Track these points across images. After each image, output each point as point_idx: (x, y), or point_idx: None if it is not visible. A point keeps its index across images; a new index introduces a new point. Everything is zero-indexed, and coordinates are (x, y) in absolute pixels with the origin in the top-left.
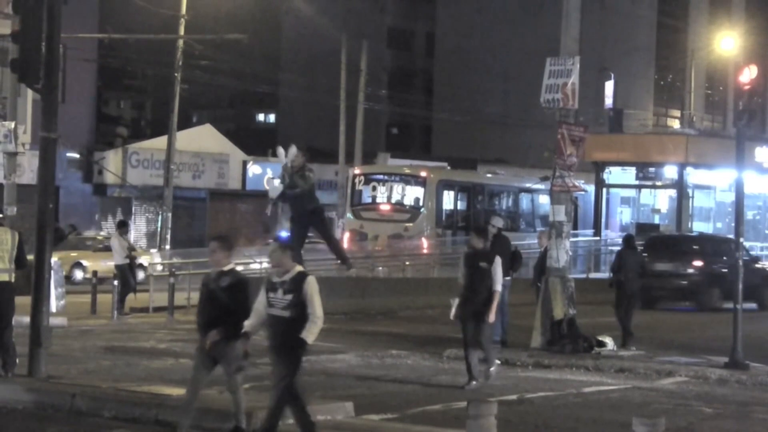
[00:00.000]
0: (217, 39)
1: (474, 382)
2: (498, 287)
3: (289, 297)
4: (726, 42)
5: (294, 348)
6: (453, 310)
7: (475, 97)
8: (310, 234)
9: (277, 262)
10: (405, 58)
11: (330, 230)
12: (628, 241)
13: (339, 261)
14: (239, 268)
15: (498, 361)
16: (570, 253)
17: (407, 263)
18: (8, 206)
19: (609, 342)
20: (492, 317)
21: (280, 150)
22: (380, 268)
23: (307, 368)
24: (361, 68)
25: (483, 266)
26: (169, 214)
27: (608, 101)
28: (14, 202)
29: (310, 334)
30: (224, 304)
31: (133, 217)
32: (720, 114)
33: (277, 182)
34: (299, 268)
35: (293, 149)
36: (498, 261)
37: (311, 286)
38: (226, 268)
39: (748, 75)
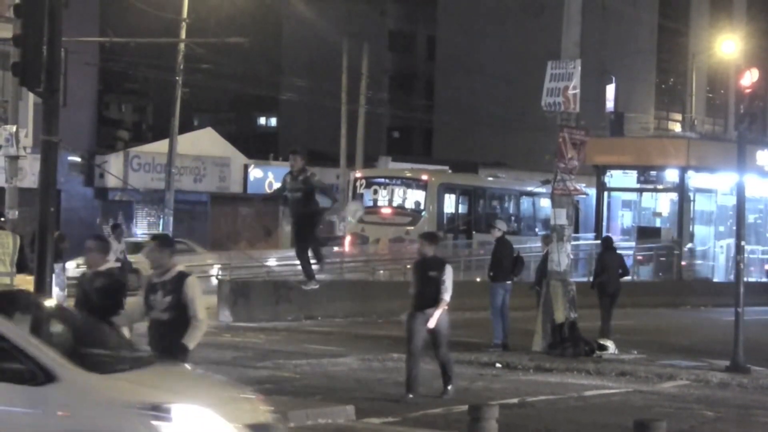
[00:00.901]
0: (219, 42)
1: (410, 395)
2: (446, 296)
3: (169, 299)
4: (727, 45)
5: (175, 354)
6: (405, 322)
7: (477, 101)
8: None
9: (155, 262)
10: (406, 62)
11: (315, 238)
12: (607, 242)
13: (304, 276)
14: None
15: (451, 387)
16: (571, 257)
17: (408, 266)
18: (10, 210)
19: (610, 345)
20: (432, 323)
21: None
22: (381, 271)
23: (309, 372)
24: (362, 72)
25: (432, 275)
26: (171, 218)
27: (609, 105)
28: (16, 205)
29: (192, 339)
30: (98, 306)
31: (134, 220)
32: (721, 117)
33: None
34: (180, 267)
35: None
36: (449, 270)
37: (192, 287)
38: (102, 268)
39: (750, 78)
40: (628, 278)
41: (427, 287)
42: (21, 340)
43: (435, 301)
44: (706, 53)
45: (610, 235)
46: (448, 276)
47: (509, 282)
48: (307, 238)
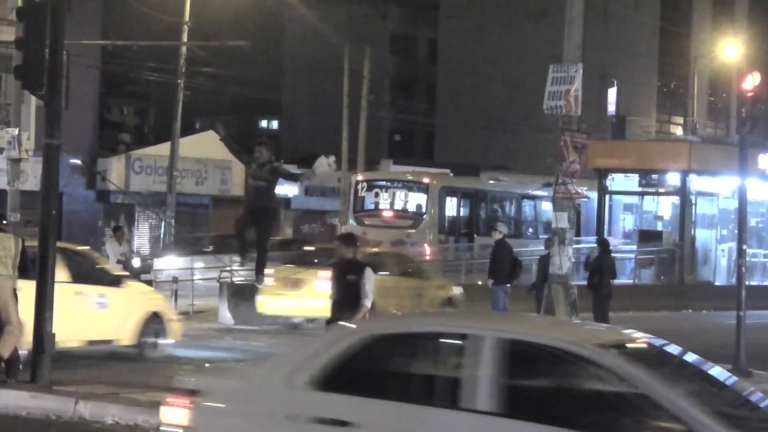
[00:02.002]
0: (220, 45)
1: None
2: (367, 302)
3: None
4: (729, 49)
5: None
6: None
7: (478, 104)
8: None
9: None
10: (408, 65)
11: (268, 238)
12: (604, 245)
13: (256, 273)
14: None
15: None
16: (573, 260)
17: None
18: (12, 213)
19: None
20: None
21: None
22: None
23: None
24: (364, 75)
25: (351, 279)
26: (172, 221)
27: (611, 108)
28: (18, 208)
29: (4, 347)
30: None
31: (136, 223)
32: (723, 121)
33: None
34: None
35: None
36: (369, 274)
37: (3, 290)
38: None
39: (752, 82)
40: (629, 281)
41: (346, 293)
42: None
43: (354, 308)
44: (707, 56)
45: (607, 238)
46: (369, 280)
47: (508, 285)
48: (263, 235)
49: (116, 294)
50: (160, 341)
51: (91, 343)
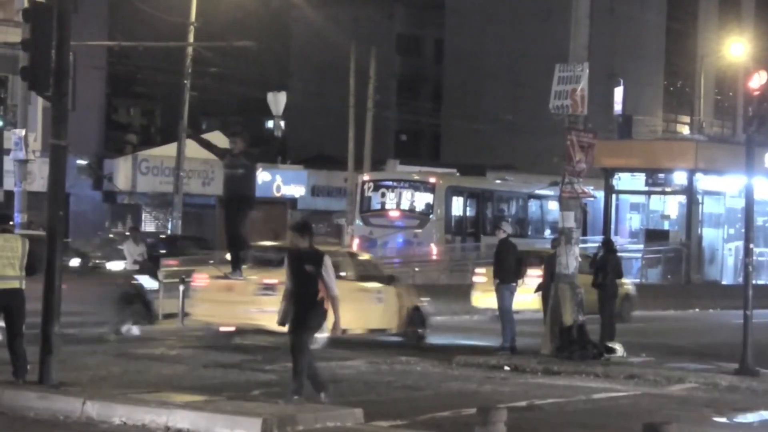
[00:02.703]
0: (226, 46)
1: (323, 394)
2: (335, 292)
3: None
4: (735, 47)
5: None
6: (278, 316)
7: (484, 104)
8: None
9: None
10: (414, 65)
11: (246, 229)
12: (608, 245)
13: (231, 265)
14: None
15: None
16: (579, 260)
17: (416, 269)
18: (19, 213)
19: (618, 348)
20: (339, 330)
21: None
22: None
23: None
24: (370, 75)
25: (309, 269)
26: (179, 221)
27: (617, 107)
28: (25, 209)
29: None
30: None
31: (143, 224)
32: (730, 120)
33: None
34: None
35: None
36: (328, 263)
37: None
38: None
39: (758, 81)
40: (636, 281)
41: (303, 284)
42: None
43: (313, 300)
44: (714, 55)
45: (611, 238)
46: (329, 270)
47: (514, 284)
48: (239, 225)
49: (389, 291)
50: (420, 331)
51: (371, 331)
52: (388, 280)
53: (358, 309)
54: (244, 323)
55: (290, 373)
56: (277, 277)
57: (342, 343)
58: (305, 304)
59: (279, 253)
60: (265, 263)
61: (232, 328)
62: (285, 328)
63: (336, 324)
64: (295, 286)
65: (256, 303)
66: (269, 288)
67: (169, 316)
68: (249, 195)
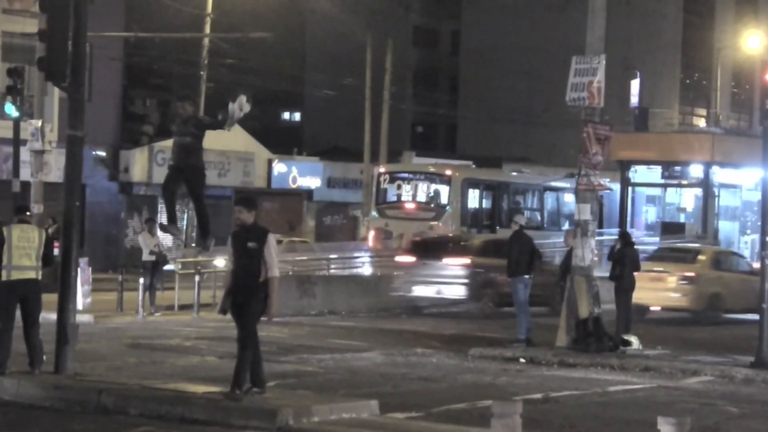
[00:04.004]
0: (243, 37)
1: (255, 389)
2: (275, 272)
3: None
4: (752, 40)
5: None
6: (219, 305)
7: (500, 96)
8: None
9: None
10: (430, 57)
11: (204, 200)
12: (626, 237)
13: (203, 237)
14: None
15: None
16: (595, 252)
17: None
18: (35, 204)
19: (634, 341)
20: (274, 313)
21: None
22: None
23: (332, 366)
24: (387, 67)
25: (252, 246)
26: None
27: (634, 100)
28: (41, 200)
29: None
30: None
31: (158, 215)
32: (746, 112)
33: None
34: None
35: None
36: (271, 240)
37: None
38: None
39: None
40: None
41: (246, 261)
42: None
43: (255, 279)
44: (731, 48)
45: (628, 230)
46: (272, 247)
47: (528, 276)
48: (200, 199)
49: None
50: None
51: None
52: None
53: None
54: (668, 305)
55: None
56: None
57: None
58: (247, 287)
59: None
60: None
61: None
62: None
63: (269, 309)
64: (237, 263)
65: (679, 290)
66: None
67: (184, 307)
68: (196, 165)
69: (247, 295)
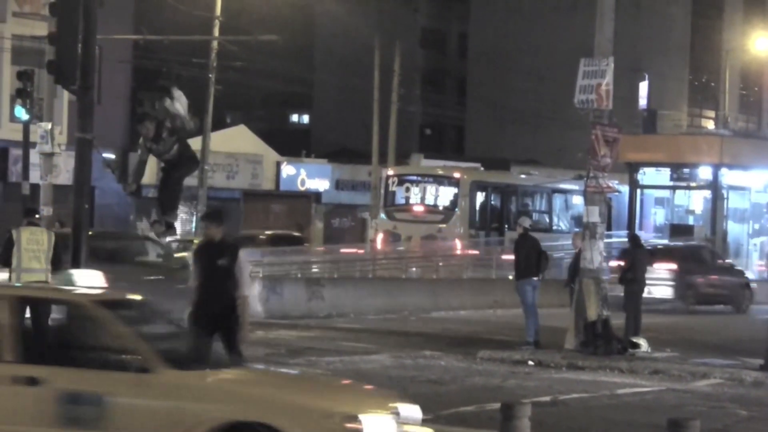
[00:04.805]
0: (251, 40)
1: None
2: (247, 291)
3: None
4: (761, 42)
5: None
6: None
7: (509, 98)
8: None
9: None
10: (438, 59)
11: (181, 183)
12: (635, 239)
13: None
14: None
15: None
16: (604, 255)
17: (440, 264)
18: (44, 206)
19: (643, 344)
20: (247, 335)
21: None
22: (413, 268)
23: (341, 369)
24: (395, 69)
25: (222, 264)
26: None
27: (642, 102)
28: (50, 202)
29: None
30: None
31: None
32: (755, 114)
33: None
34: None
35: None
36: (243, 257)
37: None
38: None
39: None
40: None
41: (214, 279)
42: None
43: (225, 298)
44: (739, 50)
45: (636, 233)
46: (245, 265)
47: (536, 279)
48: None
49: None
50: None
51: None
52: None
53: None
54: None
55: None
56: None
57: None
58: (225, 307)
59: None
60: None
61: None
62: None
63: (241, 331)
64: (207, 282)
65: None
66: None
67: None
68: (192, 157)
69: (226, 316)
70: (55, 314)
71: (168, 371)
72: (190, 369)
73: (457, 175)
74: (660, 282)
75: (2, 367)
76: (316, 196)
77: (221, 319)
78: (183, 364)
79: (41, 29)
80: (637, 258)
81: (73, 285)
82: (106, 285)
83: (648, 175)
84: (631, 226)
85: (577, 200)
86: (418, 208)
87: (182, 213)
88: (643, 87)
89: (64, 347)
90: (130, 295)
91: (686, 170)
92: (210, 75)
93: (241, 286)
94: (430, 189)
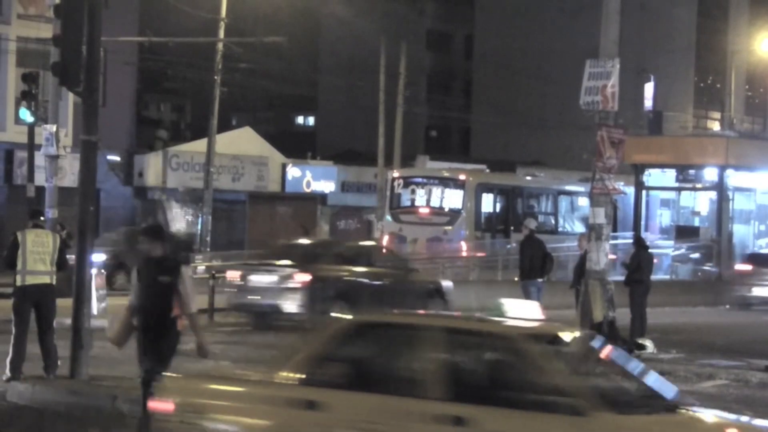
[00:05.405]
0: (257, 42)
1: None
2: (192, 308)
3: None
4: (766, 44)
5: None
6: (111, 331)
7: (514, 100)
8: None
9: None
10: (444, 61)
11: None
12: (640, 241)
13: None
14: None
15: None
16: (610, 256)
17: (446, 266)
18: (50, 209)
19: (649, 345)
20: (208, 349)
21: None
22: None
23: None
24: (400, 71)
25: (163, 281)
26: (209, 217)
27: (648, 103)
28: (55, 204)
29: None
30: None
31: (171, 219)
32: (760, 116)
33: None
34: None
35: None
36: (186, 273)
37: None
38: None
39: None
40: (666, 277)
41: (155, 297)
42: None
43: (165, 321)
44: (745, 51)
45: (641, 235)
46: (188, 282)
47: (540, 280)
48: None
49: None
50: None
51: None
52: None
53: None
54: None
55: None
56: None
57: None
58: (158, 327)
59: None
60: None
61: None
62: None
63: (201, 346)
64: (145, 300)
65: None
66: None
67: (198, 311)
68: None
69: (163, 334)
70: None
71: (605, 414)
72: (630, 413)
73: (462, 177)
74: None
75: (426, 404)
76: (322, 198)
77: (159, 336)
78: (621, 407)
79: (46, 31)
80: (642, 259)
81: (504, 315)
82: (542, 317)
83: (653, 177)
84: (636, 227)
85: (583, 202)
86: (424, 210)
87: (188, 215)
88: (649, 88)
89: (491, 385)
90: (563, 329)
91: (692, 172)
92: (215, 77)
93: (187, 304)
94: (436, 191)
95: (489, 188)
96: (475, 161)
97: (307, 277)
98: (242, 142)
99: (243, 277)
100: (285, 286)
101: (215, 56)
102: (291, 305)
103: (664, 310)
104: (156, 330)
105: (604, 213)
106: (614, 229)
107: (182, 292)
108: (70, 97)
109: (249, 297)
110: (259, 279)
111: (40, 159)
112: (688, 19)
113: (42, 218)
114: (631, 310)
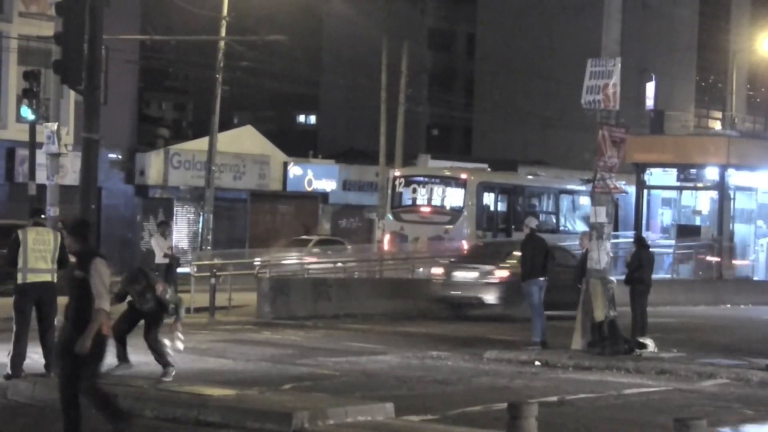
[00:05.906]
0: (258, 40)
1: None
2: (104, 304)
3: None
4: None
5: None
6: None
7: (516, 99)
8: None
9: None
10: (446, 60)
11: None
12: (641, 240)
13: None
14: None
15: None
16: (611, 255)
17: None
18: (51, 207)
19: (650, 344)
20: (86, 345)
21: None
22: (420, 269)
23: (348, 369)
24: (402, 70)
25: (78, 275)
26: (211, 215)
27: (649, 102)
28: (57, 203)
29: None
30: None
31: (174, 218)
32: (762, 115)
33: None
34: None
35: None
36: (98, 266)
37: None
38: None
39: None
40: (667, 276)
41: (72, 292)
42: None
43: (84, 312)
44: (746, 51)
45: (642, 234)
46: (98, 274)
47: (542, 279)
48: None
49: None
50: None
51: None
52: None
53: None
54: None
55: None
56: None
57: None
58: (77, 326)
59: None
60: None
61: None
62: None
63: (82, 341)
64: (69, 296)
65: None
66: None
67: (199, 309)
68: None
69: (78, 334)
70: None
71: None
72: None
73: (464, 176)
74: None
75: None
76: (323, 196)
77: (79, 332)
78: None
79: (47, 29)
80: (643, 259)
81: None
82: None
83: (655, 176)
84: (637, 226)
85: (584, 201)
86: (425, 209)
87: (189, 213)
88: (650, 88)
89: None
90: None
91: (693, 171)
92: (217, 75)
93: (96, 298)
94: (437, 190)
95: (490, 187)
96: (477, 160)
97: (505, 273)
98: (244, 140)
99: (446, 274)
100: (486, 281)
101: (217, 55)
102: (491, 297)
103: (665, 309)
104: (74, 330)
105: (606, 212)
106: (615, 228)
107: (92, 288)
108: (72, 95)
109: (452, 291)
110: (462, 275)
111: (41, 157)
112: (690, 19)
113: (43, 216)
114: (632, 309)
